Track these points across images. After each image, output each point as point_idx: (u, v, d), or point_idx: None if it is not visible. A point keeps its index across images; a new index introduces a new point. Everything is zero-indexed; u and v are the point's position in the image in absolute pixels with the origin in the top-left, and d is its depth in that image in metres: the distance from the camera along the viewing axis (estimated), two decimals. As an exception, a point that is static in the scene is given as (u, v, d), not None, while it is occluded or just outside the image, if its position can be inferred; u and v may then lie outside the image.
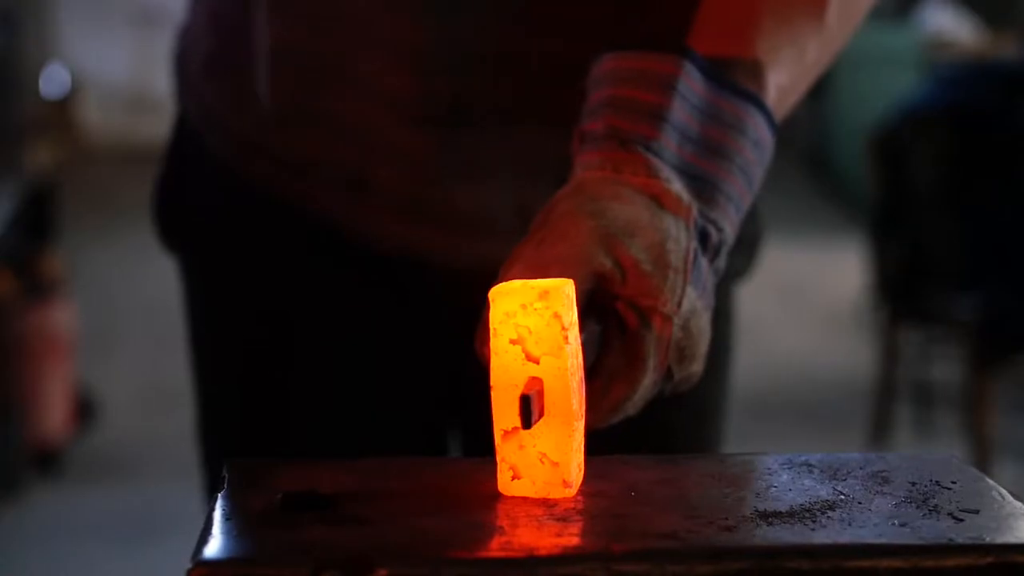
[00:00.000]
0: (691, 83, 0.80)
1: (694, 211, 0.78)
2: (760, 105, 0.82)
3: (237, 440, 1.09)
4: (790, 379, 4.33)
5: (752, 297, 1.19)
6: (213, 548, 0.58)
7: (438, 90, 0.98)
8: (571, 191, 0.78)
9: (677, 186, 0.78)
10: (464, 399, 1.07)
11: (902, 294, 3.60)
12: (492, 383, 0.66)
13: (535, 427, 0.66)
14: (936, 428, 3.73)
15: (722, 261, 0.81)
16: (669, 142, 0.79)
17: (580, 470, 0.67)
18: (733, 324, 1.10)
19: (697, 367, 0.78)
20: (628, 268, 0.74)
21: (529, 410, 0.64)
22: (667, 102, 0.79)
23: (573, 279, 0.69)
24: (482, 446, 1.11)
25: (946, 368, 3.93)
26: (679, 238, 0.76)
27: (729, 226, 0.81)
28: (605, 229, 0.74)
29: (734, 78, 0.82)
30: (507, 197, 1.00)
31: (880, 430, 3.65)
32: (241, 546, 0.59)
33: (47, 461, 3.49)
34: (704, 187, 0.79)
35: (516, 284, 0.67)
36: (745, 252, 1.06)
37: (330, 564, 0.57)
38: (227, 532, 0.60)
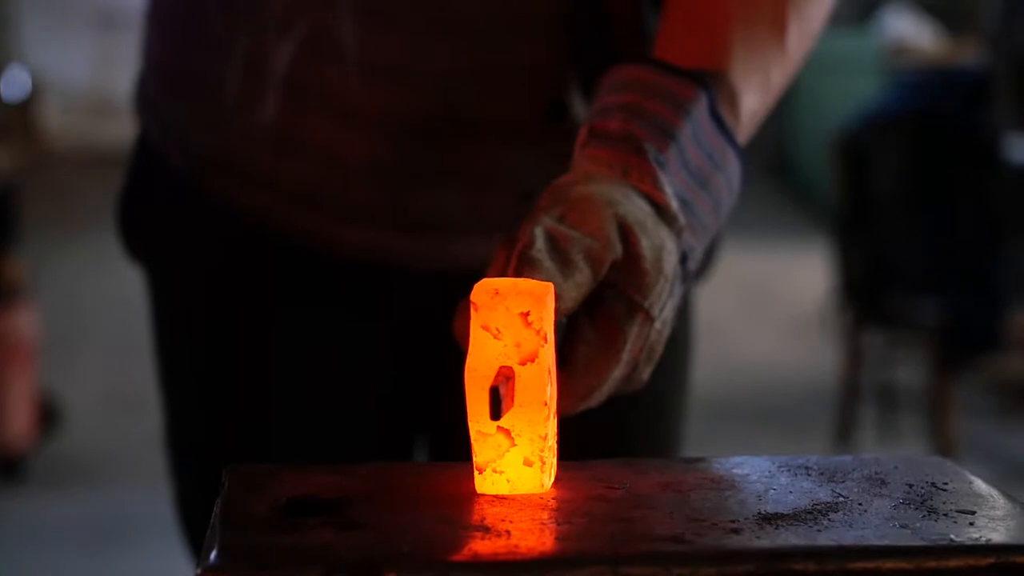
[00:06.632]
0: (700, 114, 0.82)
1: (685, 232, 0.80)
2: (736, 146, 0.84)
3: (206, 449, 1.08)
4: (755, 382, 4.35)
5: (717, 301, 1.20)
6: (219, 554, 0.58)
7: (399, 103, 0.98)
8: (581, 179, 0.79)
9: (675, 203, 0.80)
10: (431, 402, 1.08)
11: (866, 297, 3.62)
12: (467, 381, 0.66)
13: (513, 426, 0.66)
14: (900, 430, 3.76)
15: (688, 287, 0.82)
16: (673, 162, 0.81)
17: (553, 467, 0.68)
18: (691, 324, 1.11)
19: (647, 375, 0.80)
20: (635, 259, 0.76)
21: (498, 401, 0.64)
22: (680, 124, 0.81)
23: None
24: (449, 450, 1.10)
25: (909, 371, 3.96)
26: (672, 251, 0.78)
27: (699, 255, 0.83)
28: (624, 219, 0.76)
29: (720, 111, 0.84)
30: (462, 200, 1.00)
31: (844, 432, 3.67)
32: (248, 552, 0.59)
33: (10, 468, 3.46)
34: (689, 214, 0.81)
35: (502, 282, 0.67)
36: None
37: (339, 569, 0.56)
38: (232, 538, 0.60)
